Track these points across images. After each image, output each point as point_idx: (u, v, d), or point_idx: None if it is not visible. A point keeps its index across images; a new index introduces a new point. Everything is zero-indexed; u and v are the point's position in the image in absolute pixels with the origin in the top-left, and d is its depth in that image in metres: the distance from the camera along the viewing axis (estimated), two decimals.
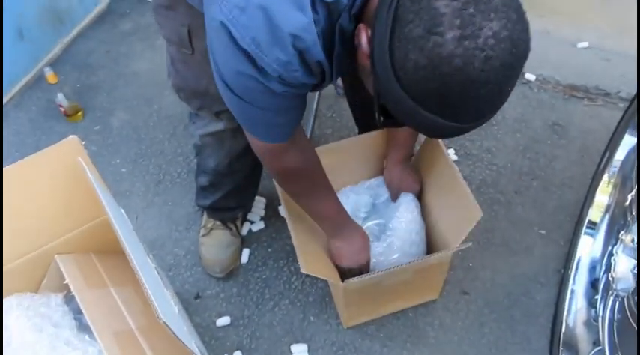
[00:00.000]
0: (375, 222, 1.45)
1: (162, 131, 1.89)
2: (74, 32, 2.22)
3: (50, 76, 1.92)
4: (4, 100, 1.98)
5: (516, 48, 0.62)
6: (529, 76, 1.97)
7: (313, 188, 1.14)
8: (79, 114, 1.92)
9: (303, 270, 1.12)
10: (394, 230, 1.34)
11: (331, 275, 1.22)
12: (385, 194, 1.47)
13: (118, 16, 2.31)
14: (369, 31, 0.72)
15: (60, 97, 1.86)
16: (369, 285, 1.25)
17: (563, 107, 1.90)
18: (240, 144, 1.26)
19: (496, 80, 0.62)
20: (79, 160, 1.03)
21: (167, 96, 1.97)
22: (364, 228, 1.35)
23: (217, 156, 1.32)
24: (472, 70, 0.60)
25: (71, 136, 1.03)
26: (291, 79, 0.79)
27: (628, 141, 1.44)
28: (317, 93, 1.74)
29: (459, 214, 1.25)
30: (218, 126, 1.23)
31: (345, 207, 1.24)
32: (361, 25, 0.75)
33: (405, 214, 1.35)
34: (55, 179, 1.04)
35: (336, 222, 1.23)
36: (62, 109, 1.89)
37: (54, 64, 2.10)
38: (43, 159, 1.01)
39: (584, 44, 2.09)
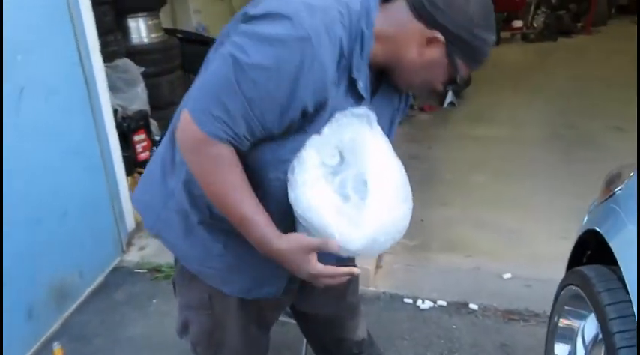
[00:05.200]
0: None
1: None
2: (73, 306, 2.47)
3: (57, 351, 2.08)
4: None
5: None
6: (472, 306, 2.36)
7: (227, 185, 1.06)
8: None
9: None
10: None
11: None
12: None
13: (113, 288, 2.61)
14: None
15: None
16: None
17: (506, 329, 2.25)
18: None
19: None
20: None
21: None
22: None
23: None
24: None
25: None
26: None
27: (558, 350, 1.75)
28: None
29: None
30: None
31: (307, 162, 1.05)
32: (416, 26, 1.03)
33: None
34: None
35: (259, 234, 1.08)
36: None
37: (54, 337, 2.29)
38: None
39: (508, 275, 2.56)
